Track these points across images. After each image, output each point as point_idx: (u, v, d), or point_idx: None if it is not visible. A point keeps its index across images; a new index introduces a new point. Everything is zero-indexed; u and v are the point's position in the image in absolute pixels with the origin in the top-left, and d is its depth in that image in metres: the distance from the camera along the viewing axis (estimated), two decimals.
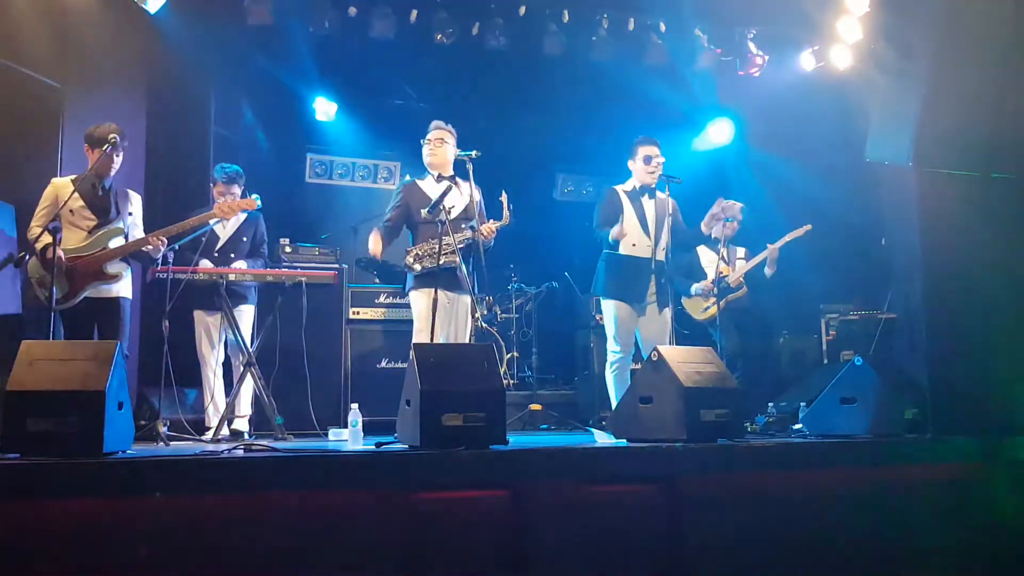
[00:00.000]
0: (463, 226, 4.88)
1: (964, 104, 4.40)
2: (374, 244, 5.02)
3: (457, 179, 5.04)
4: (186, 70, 6.06)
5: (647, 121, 7.43)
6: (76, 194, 4.48)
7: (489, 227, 4.89)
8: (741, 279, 5.82)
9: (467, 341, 4.90)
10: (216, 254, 5.22)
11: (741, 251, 6.08)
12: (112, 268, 4.62)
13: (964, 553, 3.98)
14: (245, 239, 5.35)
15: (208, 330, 5.18)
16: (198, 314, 5.19)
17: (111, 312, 4.62)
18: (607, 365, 5.19)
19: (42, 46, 5.11)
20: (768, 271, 5.83)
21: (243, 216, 5.31)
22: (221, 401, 5.15)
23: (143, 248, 4.64)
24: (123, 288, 4.69)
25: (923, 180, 4.93)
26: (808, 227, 5.84)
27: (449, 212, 4.83)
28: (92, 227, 4.61)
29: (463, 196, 5.01)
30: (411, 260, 4.91)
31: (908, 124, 4.43)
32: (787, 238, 5.84)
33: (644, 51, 6.74)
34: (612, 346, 5.13)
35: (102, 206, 4.65)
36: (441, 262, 4.72)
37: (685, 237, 5.41)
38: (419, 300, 4.89)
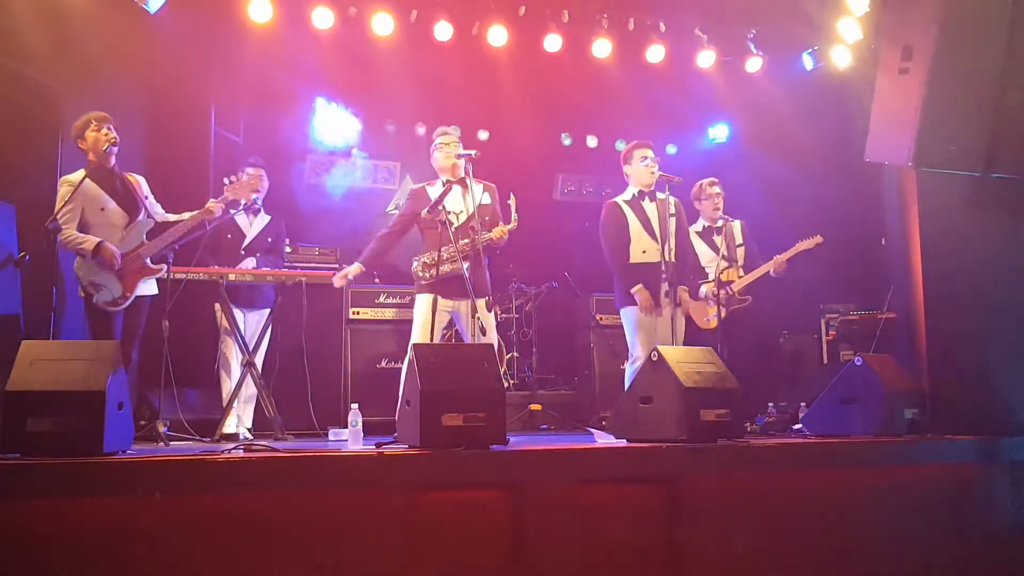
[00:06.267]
0: (470, 232, 4.90)
1: (964, 104, 4.39)
2: (348, 271, 5.06)
3: (466, 182, 5.04)
4: (186, 70, 6.06)
5: (647, 121, 7.44)
6: (102, 191, 4.59)
7: (501, 231, 4.94)
8: (744, 287, 5.72)
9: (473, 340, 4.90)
10: (243, 252, 5.27)
11: (737, 228, 5.87)
12: (153, 262, 4.68)
13: (964, 553, 3.98)
14: (270, 239, 5.41)
15: (243, 325, 5.19)
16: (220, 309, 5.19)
17: (139, 310, 4.70)
18: (628, 364, 5.20)
19: (41, 46, 5.10)
20: (774, 274, 5.76)
21: (267, 218, 5.44)
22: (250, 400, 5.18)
23: (204, 218, 4.74)
24: (153, 285, 4.75)
25: (923, 180, 4.93)
26: (819, 239, 5.65)
27: (459, 216, 4.85)
28: (127, 223, 4.67)
29: (470, 201, 5.02)
30: (418, 268, 4.93)
31: (908, 124, 4.42)
32: (796, 249, 5.68)
33: (644, 51, 6.74)
34: (635, 349, 5.15)
35: (130, 201, 4.70)
36: (444, 270, 4.74)
37: (687, 239, 5.42)
38: (421, 304, 4.92)
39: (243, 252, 5.30)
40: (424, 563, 3.13)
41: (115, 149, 4.64)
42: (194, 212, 4.81)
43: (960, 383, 4.68)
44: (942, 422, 4.57)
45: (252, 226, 5.41)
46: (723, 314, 5.55)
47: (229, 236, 5.30)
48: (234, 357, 5.14)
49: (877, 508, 3.87)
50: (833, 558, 3.74)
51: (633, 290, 5.08)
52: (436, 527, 3.17)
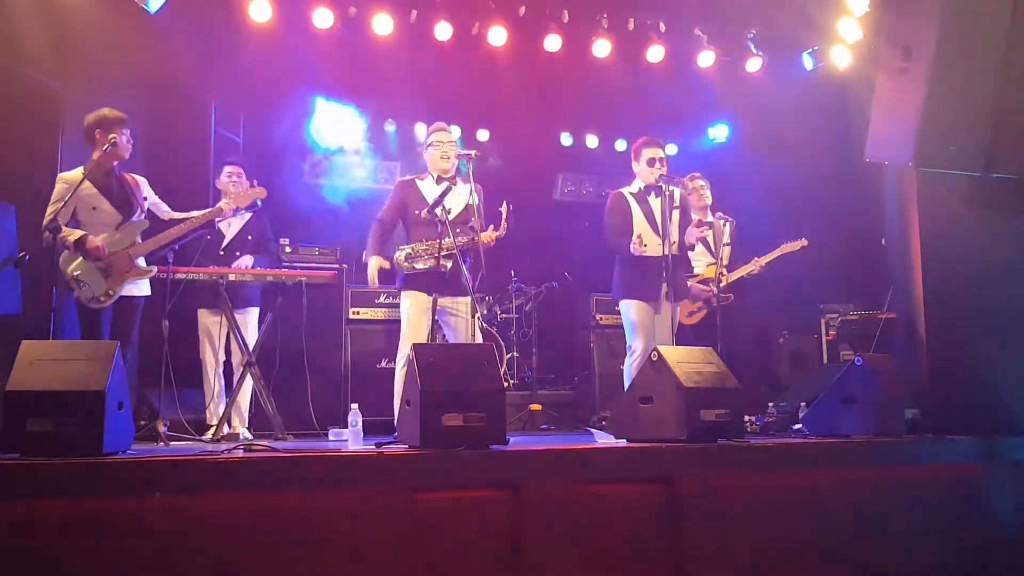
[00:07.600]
0: (459, 229, 4.89)
1: (964, 104, 4.39)
2: (372, 271, 5.02)
3: (458, 180, 5.06)
4: (186, 70, 6.06)
5: (647, 121, 7.43)
6: (96, 191, 4.56)
7: (489, 235, 4.92)
8: (726, 285, 5.71)
9: (472, 341, 4.90)
10: (221, 252, 5.24)
11: (728, 228, 5.82)
12: (144, 263, 4.67)
13: (963, 553, 3.98)
14: (250, 237, 5.39)
15: (210, 330, 5.19)
16: (202, 313, 5.20)
17: (129, 311, 4.67)
18: (626, 359, 5.20)
19: (42, 46, 5.10)
20: (751, 275, 5.76)
21: (247, 215, 5.35)
22: (222, 402, 5.15)
23: (215, 217, 4.82)
24: (146, 286, 4.73)
25: (923, 180, 4.93)
26: (804, 242, 5.72)
27: (448, 212, 4.84)
28: (119, 223, 4.65)
29: (462, 198, 5.03)
30: (401, 258, 4.91)
31: (908, 124, 4.42)
32: (779, 251, 5.73)
33: (644, 51, 6.74)
34: (634, 343, 5.16)
35: (124, 200, 4.68)
36: (431, 264, 4.74)
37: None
38: (407, 302, 4.91)
39: (222, 253, 5.25)
40: (424, 563, 3.13)
41: (126, 157, 4.66)
42: (203, 211, 4.81)
43: (960, 383, 4.68)
44: (942, 422, 4.58)
45: (231, 226, 5.36)
46: (705, 311, 5.58)
47: (209, 238, 5.25)
48: (211, 364, 5.17)
49: (877, 508, 3.87)
50: (833, 558, 3.73)
51: (632, 242, 5.06)
52: (436, 527, 3.17)
